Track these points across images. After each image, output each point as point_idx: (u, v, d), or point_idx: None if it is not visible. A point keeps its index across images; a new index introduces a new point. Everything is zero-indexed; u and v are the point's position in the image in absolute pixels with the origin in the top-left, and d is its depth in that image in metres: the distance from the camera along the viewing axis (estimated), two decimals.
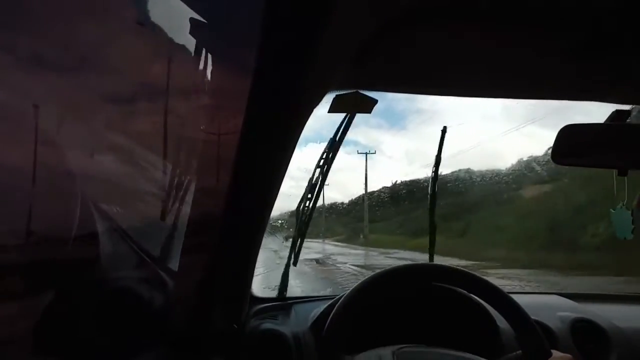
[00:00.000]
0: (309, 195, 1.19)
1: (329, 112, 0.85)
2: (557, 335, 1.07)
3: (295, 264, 1.27)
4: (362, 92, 0.81)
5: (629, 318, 1.20)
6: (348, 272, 7.21)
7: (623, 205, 0.85)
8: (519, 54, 0.70)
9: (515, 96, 0.92)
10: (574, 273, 6.87)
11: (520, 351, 0.83)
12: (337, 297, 0.98)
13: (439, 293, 1.03)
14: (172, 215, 0.83)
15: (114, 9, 0.62)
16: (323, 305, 1.06)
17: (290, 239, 1.26)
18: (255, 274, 1.00)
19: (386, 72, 0.77)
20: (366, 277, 0.90)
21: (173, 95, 0.74)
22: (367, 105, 0.85)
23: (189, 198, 0.78)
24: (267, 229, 0.89)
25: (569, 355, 0.78)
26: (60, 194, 0.62)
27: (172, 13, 0.65)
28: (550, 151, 0.80)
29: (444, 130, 1.26)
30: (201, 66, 0.69)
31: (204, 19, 0.60)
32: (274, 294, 1.27)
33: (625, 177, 0.81)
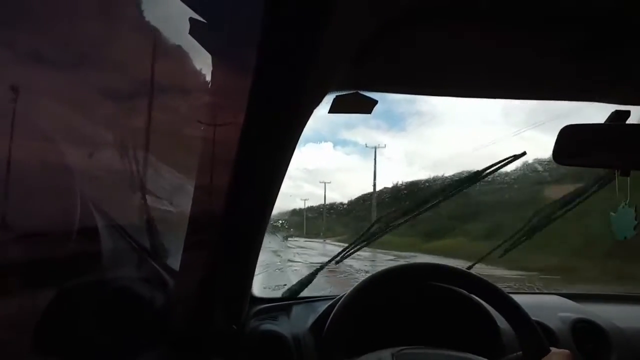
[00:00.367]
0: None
1: (329, 112, 0.85)
2: (557, 336, 1.07)
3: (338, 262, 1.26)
4: (362, 92, 0.81)
5: (629, 318, 1.20)
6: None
7: (625, 204, 0.85)
8: (519, 54, 0.70)
9: (515, 96, 0.92)
10: None
11: (520, 352, 0.83)
12: (337, 297, 0.98)
13: (439, 294, 1.02)
14: (173, 215, 0.83)
15: (115, 9, 0.62)
16: (323, 306, 1.05)
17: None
18: (255, 273, 1.00)
19: (386, 73, 0.77)
20: (366, 277, 0.90)
21: (174, 94, 0.74)
22: (367, 106, 0.85)
23: (190, 198, 0.78)
24: (268, 228, 0.89)
25: (566, 351, 0.78)
26: (59, 192, 0.62)
27: (173, 13, 0.65)
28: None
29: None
30: (202, 66, 0.69)
31: (204, 18, 0.60)
32: (274, 294, 1.27)
33: (628, 177, 0.81)
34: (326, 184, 25.26)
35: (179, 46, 0.68)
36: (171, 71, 0.70)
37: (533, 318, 0.84)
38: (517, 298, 0.86)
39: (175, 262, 0.82)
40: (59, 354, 0.63)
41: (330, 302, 1.03)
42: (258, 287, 1.20)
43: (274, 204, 0.83)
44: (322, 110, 0.77)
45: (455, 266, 0.95)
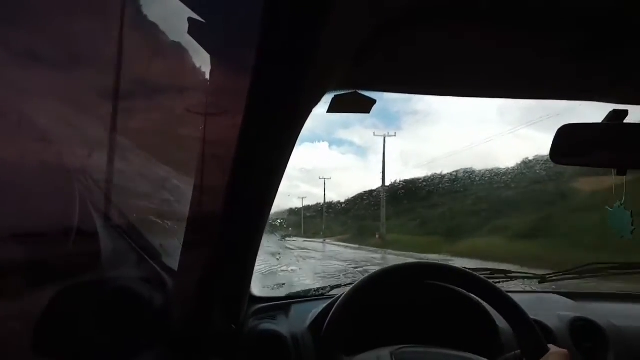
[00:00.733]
0: None
1: (327, 111, 0.84)
2: (555, 334, 1.08)
3: None
4: (361, 92, 0.81)
5: (627, 317, 1.20)
6: None
7: (621, 204, 0.85)
8: (519, 54, 0.70)
9: (515, 96, 0.92)
10: None
11: (519, 351, 0.83)
12: (336, 296, 0.98)
13: (438, 293, 1.03)
14: (171, 214, 0.82)
15: (114, 9, 0.62)
16: (322, 305, 1.05)
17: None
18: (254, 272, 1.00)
19: (386, 72, 0.77)
20: (364, 277, 0.90)
21: (173, 94, 0.74)
22: (366, 105, 0.85)
23: (188, 197, 0.77)
24: (266, 228, 0.89)
25: (564, 350, 0.78)
26: (58, 192, 0.62)
27: (171, 13, 0.65)
28: None
29: None
30: (200, 65, 0.69)
31: (203, 18, 0.59)
32: (273, 293, 1.27)
33: (624, 177, 0.81)
34: (326, 180, 24.54)
35: (178, 46, 0.68)
36: (170, 71, 0.69)
37: (531, 317, 0.84)
38: (515, 297, 0.86)
39: (174, 262, 0.82)
40: (58, 354, 0.63)
41: (329, 301, 1.03)
42: (257, 287, 1.20)
43: (272, 203, 0.83)
44: (320, 110, 0.77)
45: (456, 266, 0.95)
